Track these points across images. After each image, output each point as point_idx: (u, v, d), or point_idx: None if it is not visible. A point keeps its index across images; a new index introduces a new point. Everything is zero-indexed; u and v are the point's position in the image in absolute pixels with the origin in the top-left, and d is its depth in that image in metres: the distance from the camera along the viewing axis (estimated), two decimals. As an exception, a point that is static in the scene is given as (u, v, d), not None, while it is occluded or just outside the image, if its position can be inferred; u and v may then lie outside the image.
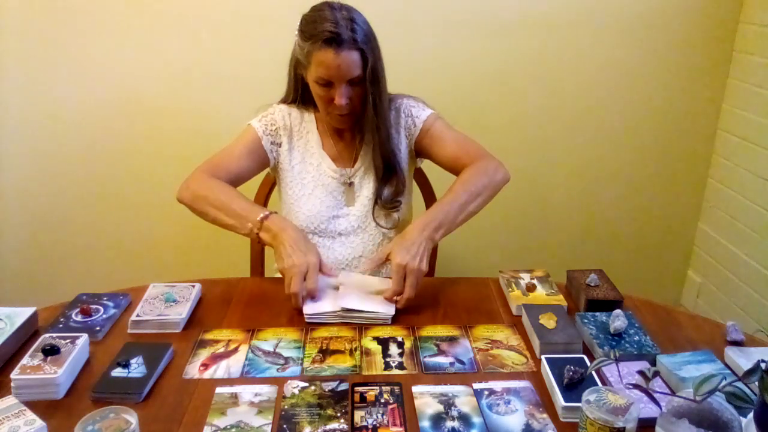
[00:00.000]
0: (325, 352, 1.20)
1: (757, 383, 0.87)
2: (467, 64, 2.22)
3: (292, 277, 1.31)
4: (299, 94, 1.58)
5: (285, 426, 1.00)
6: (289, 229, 1.38)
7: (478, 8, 2.17)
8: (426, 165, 1.71)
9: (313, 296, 1.33)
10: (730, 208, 2.32)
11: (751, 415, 0.91)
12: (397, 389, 1.09)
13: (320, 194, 1.56)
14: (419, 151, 1.62)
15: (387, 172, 1.55)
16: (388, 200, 1.55)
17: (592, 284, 1.37)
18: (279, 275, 1.61)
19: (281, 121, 1.58)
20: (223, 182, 1.48)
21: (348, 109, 1.47)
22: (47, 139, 2.23)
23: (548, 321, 1.24)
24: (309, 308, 1.31)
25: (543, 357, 1.15)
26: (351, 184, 1.58)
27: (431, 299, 1.40)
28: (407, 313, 1.34)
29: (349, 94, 1.44)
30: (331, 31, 1.37)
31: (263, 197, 1.76)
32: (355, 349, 1.21)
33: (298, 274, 1.31)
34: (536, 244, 2.48)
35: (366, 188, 1.58)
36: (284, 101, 1.62)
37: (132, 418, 0.92)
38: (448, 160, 1.60)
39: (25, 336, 1.21)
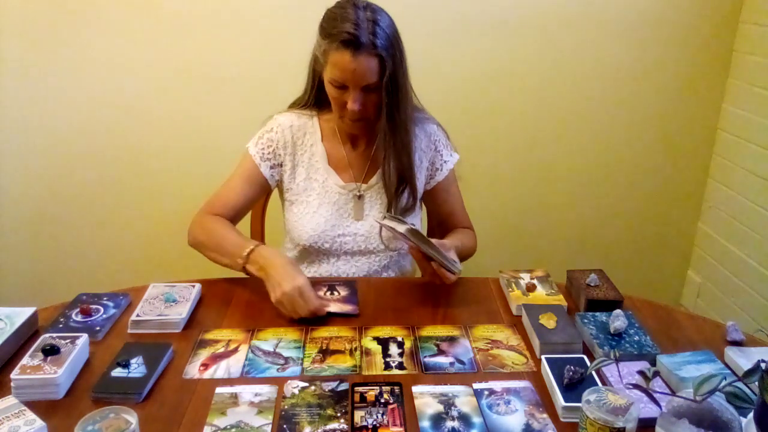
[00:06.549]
0: (325, 352, 1.20)
1: (757, 383, 0.87)
2: (466, 63, 2.22)
3: (291, 303, 1.27)
4: (314, 92, 1.51)
5: (285, 426, 1.00)
6: (275, 257, 1.34)
7: (477, 8, 2.17)
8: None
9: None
10: (730, 208, 2.32)
11: (751, 415, 0.91)
12: (397, 389, 1.09)
13: (325, 212, 1.50)
14: (425, 192, 1.59)
15: (400, 187, 1.49)
16: (399, 214, 1.48)
17: (592, 284, 1.37)
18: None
19: (281, 138, 1.51)
20: (218, 220, 1.45)
21: (361, 115, 1.40)
22: (47, 139, 2.23)
23: (548, 321, 1.24)
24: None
25: (543, 357, 1.15)
26: (360, 197, 1.52)
27: (431, 299, 1.40)
28: (407, 313, 1.34)
29: (363, 100, 1.37)
30: (350, 32, 1.30)
31: (260, 209, 1.73)
32: (355, 349, 1.21)
33: (296, 298, 1.27)
34: (536, 244, 2.48)
35: (377, 207, 1.52)
36: (298, 102, 1.55)
37: (132, 418, 0.92)
38: (442, 215, 1.62)
39: (25, 336, 1.21)
